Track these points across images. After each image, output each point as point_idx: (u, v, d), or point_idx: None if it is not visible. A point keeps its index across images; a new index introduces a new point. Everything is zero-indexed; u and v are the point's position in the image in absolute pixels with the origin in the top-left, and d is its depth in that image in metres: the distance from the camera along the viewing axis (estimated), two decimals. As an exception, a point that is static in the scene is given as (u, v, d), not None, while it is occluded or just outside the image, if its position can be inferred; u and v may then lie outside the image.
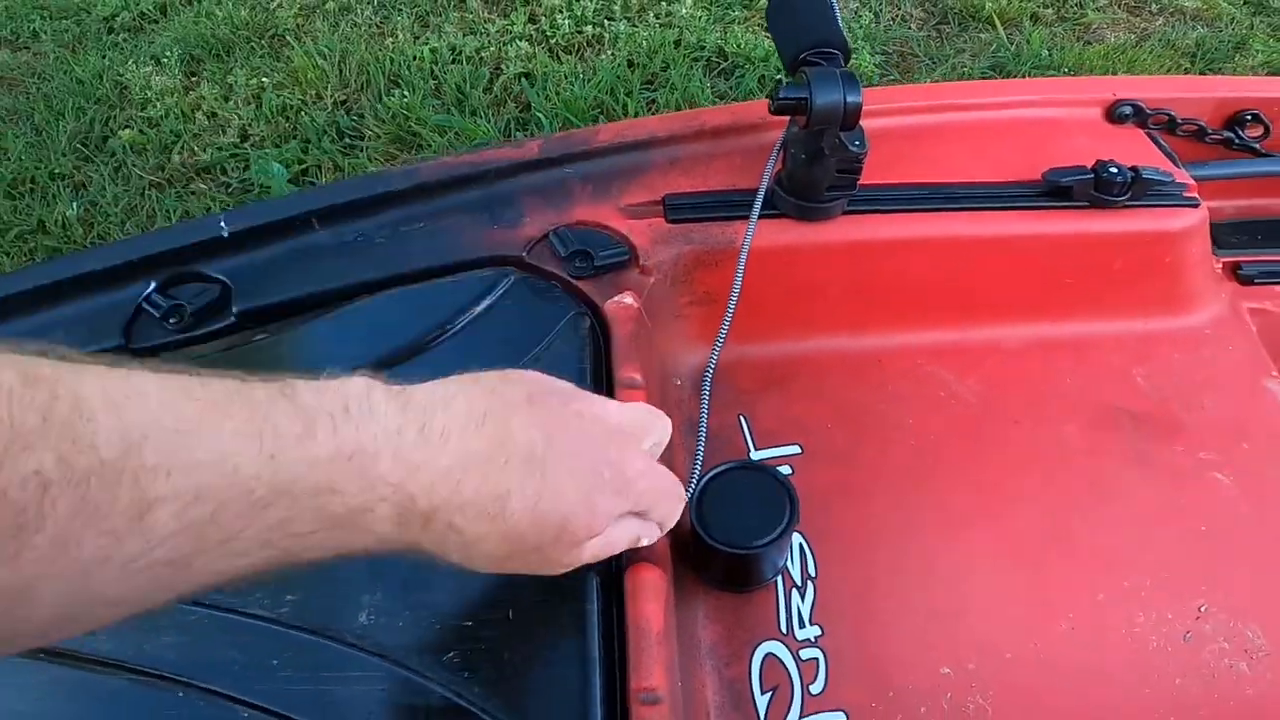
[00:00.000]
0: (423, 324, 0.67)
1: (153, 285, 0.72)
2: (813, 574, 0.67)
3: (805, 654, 0.64)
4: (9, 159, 1.61)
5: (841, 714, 0.62)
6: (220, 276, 0.72)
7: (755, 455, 0.73)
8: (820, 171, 0.67)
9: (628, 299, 0.67)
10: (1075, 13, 1.74)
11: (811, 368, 0.77)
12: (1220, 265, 0.85)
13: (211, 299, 0.71)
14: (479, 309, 0.68)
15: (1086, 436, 0.75)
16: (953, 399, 0.76)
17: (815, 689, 0.62)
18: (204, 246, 0.73)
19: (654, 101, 1.53)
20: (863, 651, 0.64)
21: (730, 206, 0.71)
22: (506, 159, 0.75)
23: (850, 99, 0.61)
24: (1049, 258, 0.73)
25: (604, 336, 0.67)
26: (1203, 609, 0.67)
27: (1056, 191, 0.72)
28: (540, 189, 0.74)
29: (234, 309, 0.71)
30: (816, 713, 0.62)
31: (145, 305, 0.72)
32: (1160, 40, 1.71)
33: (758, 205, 0.69)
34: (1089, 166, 0.73)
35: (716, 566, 0.63)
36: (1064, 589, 0.67)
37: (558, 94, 1.54)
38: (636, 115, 1.49)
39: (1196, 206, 0.76)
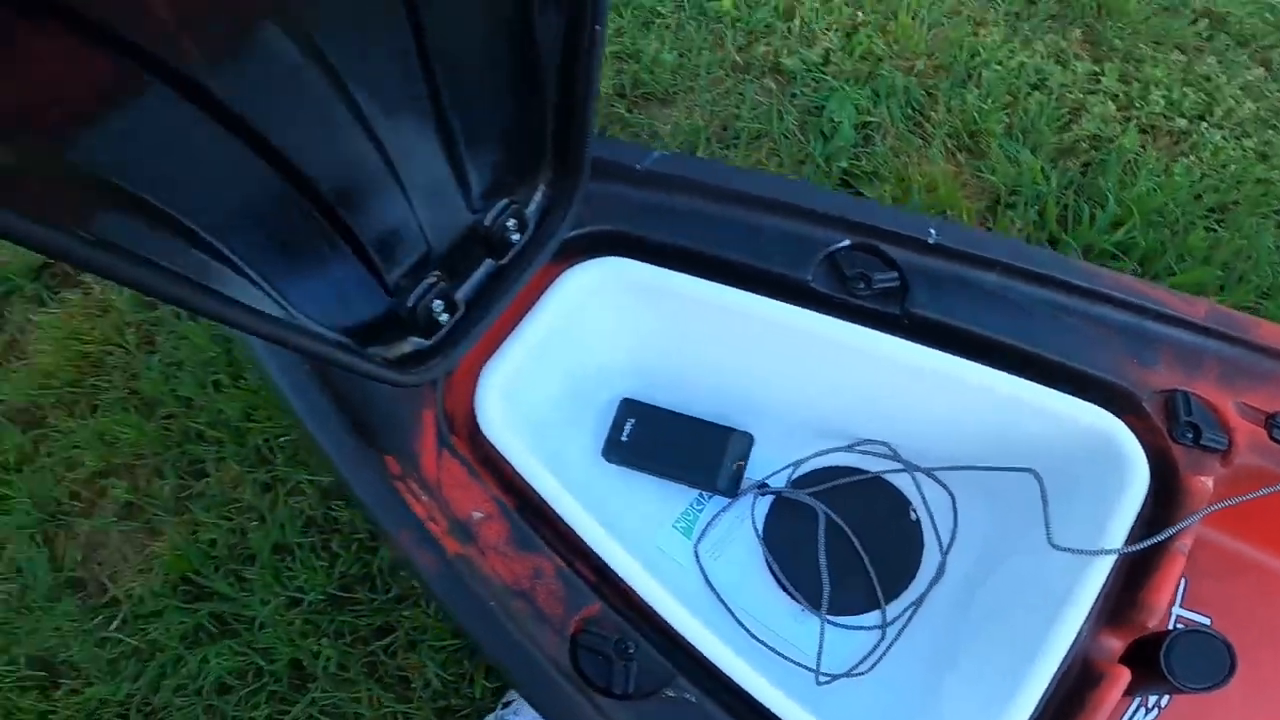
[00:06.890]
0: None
1: (847, 242, 0.84)
2: (1163, 704, 0.84)
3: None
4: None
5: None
6: (900, 267, 0.83)
7: (1176, 610, 0.88)
8: None
9: (1209, 483, 0.79)
10: None
11: (1257, 577, 0.90)
12: None
13: (891, 285, 0.83)
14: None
15: None
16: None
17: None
18: (899, 237, 0.84)
19: (1218, 242, 1.41)
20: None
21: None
22: (1169, 305, 0.83)
23: None
24: None
25: (1167, 497, 0.80)
26: None
27: None
28: (1181, 347, 0.83)
29: (905, 306, 0.83)
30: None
31: (836, 256, 0.84)
32: None
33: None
34: None
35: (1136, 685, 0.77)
36: None
37: (1128, 182, 1.46)
38: (1195, 248, 1.41)
39: None
